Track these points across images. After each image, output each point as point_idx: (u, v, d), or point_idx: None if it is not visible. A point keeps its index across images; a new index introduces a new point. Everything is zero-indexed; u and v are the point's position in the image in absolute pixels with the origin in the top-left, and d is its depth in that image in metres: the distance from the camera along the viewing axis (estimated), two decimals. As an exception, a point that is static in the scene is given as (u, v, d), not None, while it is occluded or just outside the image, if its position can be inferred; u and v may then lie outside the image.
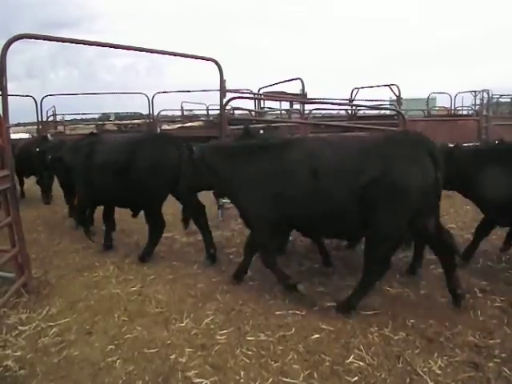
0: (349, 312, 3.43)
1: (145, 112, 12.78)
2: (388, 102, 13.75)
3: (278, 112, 12.79)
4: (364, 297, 3.49)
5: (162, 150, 4.58)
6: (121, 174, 4.61)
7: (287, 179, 3.47)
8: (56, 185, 7.09)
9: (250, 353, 2.99)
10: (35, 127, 12.44)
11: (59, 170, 5.79)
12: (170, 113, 15.73)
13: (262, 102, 11.20)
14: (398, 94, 11.04)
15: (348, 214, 3.33)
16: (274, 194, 3.54)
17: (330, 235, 4.08)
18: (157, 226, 4.79)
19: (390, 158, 3.18)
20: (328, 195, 3.30)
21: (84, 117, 18.06)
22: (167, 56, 5.70)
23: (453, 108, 15.60)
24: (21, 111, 11.62)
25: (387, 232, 3.27)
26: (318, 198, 3.35)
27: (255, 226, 3.87)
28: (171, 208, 5.57)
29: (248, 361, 2.90)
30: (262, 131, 6.08)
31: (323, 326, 3.30)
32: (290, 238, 5.42)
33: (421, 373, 2.72)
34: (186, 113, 15.96)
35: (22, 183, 8.46)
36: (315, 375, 2.74)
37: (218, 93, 6.25)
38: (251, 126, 8.22)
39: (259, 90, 10.95)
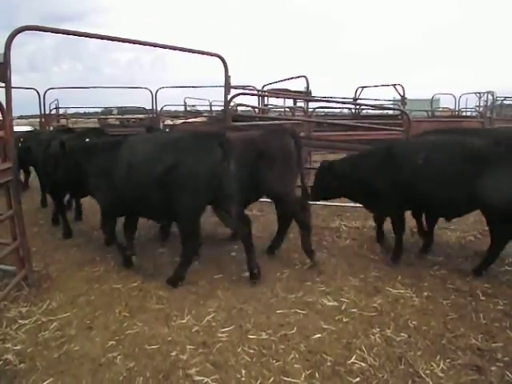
0: (177, 284, 3.98)
1: (148, 107, 12.74)
2: (392, 102, 13.71)
3: (282, 109, 12.74)
4: (187, 267, 4.03)
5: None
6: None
7: (115, 172, 4.11)
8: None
9: (251, 351, 2.97)
10: (38, 120, 12.41)
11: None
12: (173, 108, 15.74)
13: (265, 99, 11.14)
14: (402, 94, 11.00)
15: (156, 199, 3.92)
16: (110, 184, 4.19)
17: (151, 217, 4.57)
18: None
19: (183, 150, 3.79)
20: (139, 184, 3.93)
21: (87, 110, 18.02)
22: (171, 51, 5.67)
23: (457, 109, 15.56)
24: (24, 104, 11.58)
25: (186, 212, 3.83)
26: (134, 186, 3.98)
27: (101, 210, 4.58)
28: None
29: (249, 359, 2.89)
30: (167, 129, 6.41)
31: (325, 326, 3.29)
32: (291, 235, 5.41)
33: (423, 375, 2.71)
34: (189, 108, 15.92)
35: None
36: (316, 375, 2.73)
37: (221, 89, 6.21)
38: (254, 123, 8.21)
39: (263, 87, 10.91)
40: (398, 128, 7.16)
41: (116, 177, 4.11)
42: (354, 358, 2.90)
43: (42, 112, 11.59)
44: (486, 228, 5.07)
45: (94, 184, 4.49)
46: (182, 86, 15.43)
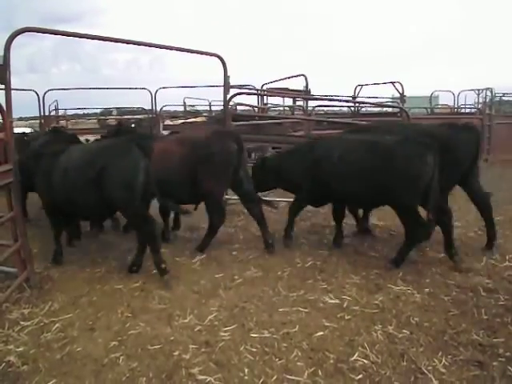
0: (164, 270, 4.15)
1: (147, 107, 12.71)
2: (391, 100, 13.70)
3: (281, 108, 12.75)
4: (160, 249, 4.23)
5: None
6: None
7: (56, 176, 4.34)
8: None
9: (253, 350, 2.97)
10: (38, 121, 12.41)
11: None
12: (172, 108, 15.74)
13: (265, 98, 11.13)
14: (401, 92, 11.00)
15: (89, 200, 4.23)
16: (52, 187, 4.41)
17: (85, 217, 4.98)
18: None
19: (109, 153, 4.21)
20: (75, 186, 4.21)
21: (86, 111, 17.97)
22: (170, 51, 5.66)
23: (456, 106, 15.57)
24: (23, 105, 11.57)
25: (122, 204, 4.21)
26: (71, 188, 4.24)
27: (45, 209, 4.84)
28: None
29: (252, 358, 2.89)
30: (133, 125, 6.50)
31: (327, 324, 3.30)
32: (292, 234, 5.42)
33: (425, 371, 2.71)
34: (188, 108, 15.93)
35: None
36: (319, 373, 2.73)
37: (220, 89, 6.22)
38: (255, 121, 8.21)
39: (262, 86, 10.91)
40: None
41: (55, 180, 4.36)
42: (356, 355, 2.90)
43: (42, 113, 11.58)
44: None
45: (38, 184, 4.72)
46: (182, 86, 15.43)
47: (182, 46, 5.71)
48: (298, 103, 10.81)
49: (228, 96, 6.13)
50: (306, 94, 9.70)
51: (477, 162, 4.79)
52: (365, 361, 2.83)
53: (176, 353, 2.96)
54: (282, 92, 10.53)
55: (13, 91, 3.82)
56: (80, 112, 16.88)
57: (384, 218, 5.94)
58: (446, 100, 17.96)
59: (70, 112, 14.68)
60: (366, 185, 4.33)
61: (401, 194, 4.21)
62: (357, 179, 4.37)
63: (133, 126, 6.84)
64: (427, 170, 4.12)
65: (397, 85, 11.24)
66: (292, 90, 10.79)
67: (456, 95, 15.48)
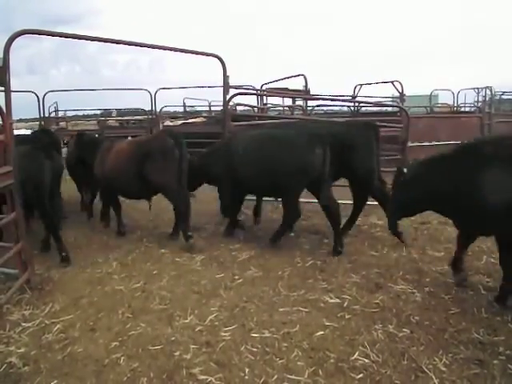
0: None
1: (147, 108, 12.73)
2: (390, 99, 13.70)
3: (281, 108, 12.75)
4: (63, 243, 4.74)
5: None
6: None
7: None
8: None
9: (254, 350, 2.98)
10: (37, 123, 12.42)
11: None
12: (172, 109, 15.79)
13: (264, 98, 11.13)
14: (400, 91, 10.98)
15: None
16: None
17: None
18: None
19: (25, 156, 4.49)
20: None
21: (86, 113, 18.02)
22: (170, 52, 5.68)
23: (455, 105, 15.58)
24: (23, 107, 11.59)
25: (37, 206, 4.64)
26: None
27: None
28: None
29: (253, 358, 2.89)
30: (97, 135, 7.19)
31: (327, 323, 3.30)
32: (292, 234, 5.42)
33: (426, 370, 2.72)
34: (188, 109, 15.95)
35: None
36: (320, 372, 2.74)
37: (220, 89, 6.23)
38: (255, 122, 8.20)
39: (262, 87, 10.90)
40: (397, 125, 7.14)
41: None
42: (356, 354, 2.90)
43: (42, 115, 11.60)
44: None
45: None
46: (181, 87, 15.46)
47: (182, 47, 5.72)
48: (297, 103, 10.80)
49: (228, 96, 6.14)
50: (305, 94, 9.70)
51: (377, 158, 5.19)
52: (365, 360, 2.84)
53: (177, 353, 2.97)
54: (282, 92, 10.53)
55: (12, 93, 3.83)
56: (80, 113, 16.94)
57: (384, 218, 5.94)
58: (445, 99, 17.99)
59: (69, 113, 14.74)
60: (266, 174, 4.79)
61: (289, 180, 4.68)
62: (259, 170, 4.84)
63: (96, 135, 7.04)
64: (315, 160, 4.62)
65: (396, 84, 11.22)
66: (291, 90, 10.78)
67: (456, 94, 15.53)
